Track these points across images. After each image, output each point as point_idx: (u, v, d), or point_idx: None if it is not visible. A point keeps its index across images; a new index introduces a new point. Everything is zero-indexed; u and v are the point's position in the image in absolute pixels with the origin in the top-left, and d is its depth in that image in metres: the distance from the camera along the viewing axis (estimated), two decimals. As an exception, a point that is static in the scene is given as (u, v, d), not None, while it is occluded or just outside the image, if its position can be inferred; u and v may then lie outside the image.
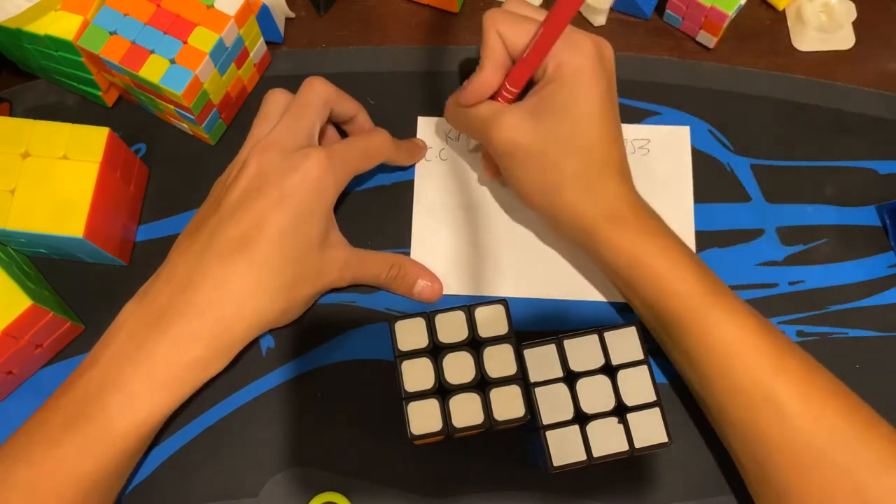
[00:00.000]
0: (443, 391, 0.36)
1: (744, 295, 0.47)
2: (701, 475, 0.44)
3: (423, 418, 0.36)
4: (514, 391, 0.36)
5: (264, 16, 0.49)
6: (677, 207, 0.48)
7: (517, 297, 0.47)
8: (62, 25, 0.43)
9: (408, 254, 0.48)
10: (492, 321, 0.37)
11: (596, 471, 0.43)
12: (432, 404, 0.36)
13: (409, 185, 0.49)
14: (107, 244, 0.44)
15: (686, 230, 0.48)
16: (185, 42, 0.43)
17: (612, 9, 0.53)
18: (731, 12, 0.48)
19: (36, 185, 0.42)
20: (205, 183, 0.49)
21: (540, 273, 0.47)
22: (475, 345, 0.37)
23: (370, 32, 0.53)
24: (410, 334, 0.37)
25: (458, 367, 0.37)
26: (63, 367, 0.45)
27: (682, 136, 0.50)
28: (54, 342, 0.44)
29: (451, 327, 0.37)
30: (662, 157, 0.49)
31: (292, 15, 0.53)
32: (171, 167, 0.49)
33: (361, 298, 0.47)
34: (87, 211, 0.41)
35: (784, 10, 0.54)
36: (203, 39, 0.44)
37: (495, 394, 0.36)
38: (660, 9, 0.53)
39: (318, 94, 0.43)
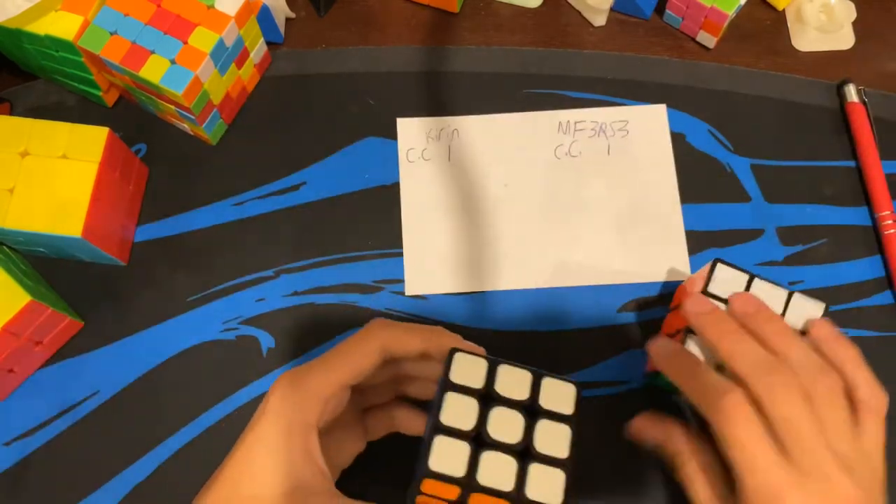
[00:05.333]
0: (479, 441, 0.31)
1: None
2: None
3: (446, 457, 0.31)
4: (558, 476, 0.31)
5: (264, 16, 0.49)
6: (661, 185, 0.49)
7: (511, 290, 0.47)
8: (62, 25, 0.43)
9: (401, 254, 0.47)
10: (558, 397, 0.33)
11: (596, 471, 0.43)
12: (462, 448, 0.31)
13: (399, 187, 0.49)
14: (105, 244, 0.44)
15: (672, 209, 0.48)
16: (186, 42, 0.43)
17: (612, 9, 0.53)
18: (730, 12, 0.48)
19: (35, 185, 0.42)
20: (205, 183, 0.49)
21: (530, 263, 0.47)
22: (532, 412, 0.32)
23: (370, 32, 0.53)
24: (467, 370, 0.33)
25: (505, 424, 0.32)
26: (63, 366, 0.45)
27: (659, 113, 0.50)
28: (54, 339, 0.44)
29: (513, 383, 0.33)
30: (642, 138, 0.50)
31: (292, 15, 0.53)
32: (171, 167, 0.49)
33: (362, 299, 0.47)
34: (86, 210, 0.41)
35: (784, 10, 0.54)
36: (203, 40, 0.44)
37: (535, 470, 0.31)
38: (660, 9, 0.53)
39: (375, 336, 0.35)
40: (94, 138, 0.43)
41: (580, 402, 0.33)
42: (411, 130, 0.50)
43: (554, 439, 0.32)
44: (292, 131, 0.50)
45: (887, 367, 0.45)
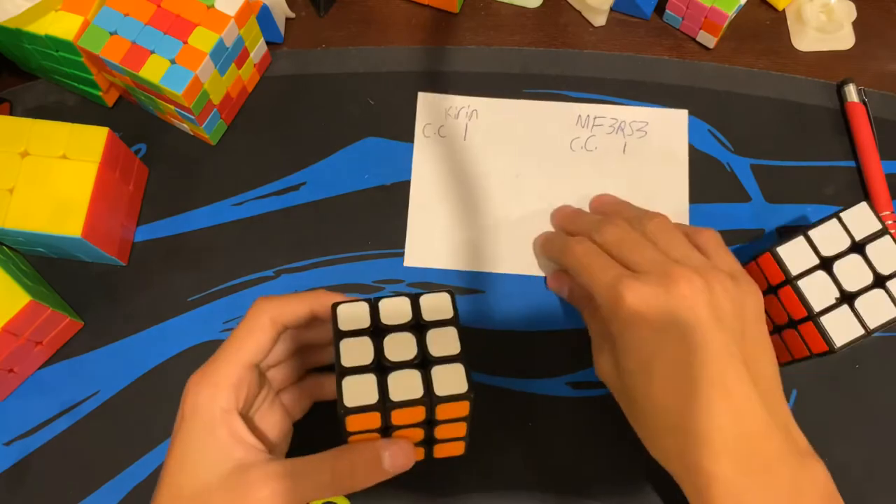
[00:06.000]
0: (382, 368, 0.34)
1: (744, 295, 0.47)
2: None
3: (357, 392, 0.33)
4: (458, 369, 0.34)
5: (264, 16, 0.49)
6: (672, 189, 0.49)
7: (510, 275, 0.47)
8: (62, 25, 0.43)
9: (401, 254, 0.47)
10: (437, 308, 0.36)
11: (595, 471, 0.43)
12: (369, 379, 0.34)
13: (406, 186, 0.49)
14: (105, 244, 0.44)
15: (681, 214, 0.48)
16: (186, 42, 0.43)
17: (612, 9, 0.53)
18: (731, 12, 0.49)
19: (35, 185, 0.42)
20: (205, 183, 0.49)
21: (531, 249, 0.48)
22: (419, 328, 0.35)
23: (370, 32, 0.53)
24: (352, 316, 0.35)
25: (399, 346, 0.35)
26: (63, 366, 0.45)
27: (679, 119, 0.50)
28: (54, 339, 0.44)
29: (395, 312, 0.36)
30: (660, 140, 0.50)
31: (292, 15, 0.53)
32: (171, 167, 0.49)
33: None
34: (86, 211, 0.41)
35: (784, 10, 0.54)
36: (203, 39, 0.44)
37: (437, 371, 0.34)
38: (660, 9, 0.53)
39: (261, 311, 0.36)
40: (94, 138, 0.43)
41: (455, 303, 0.36)
42: (431, 106, 0.50)
43: (444, 342, 0.35)
44: (292, 131, 0.50)
45: (887, 367, 0.46)
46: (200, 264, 0.47)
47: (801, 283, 0.40)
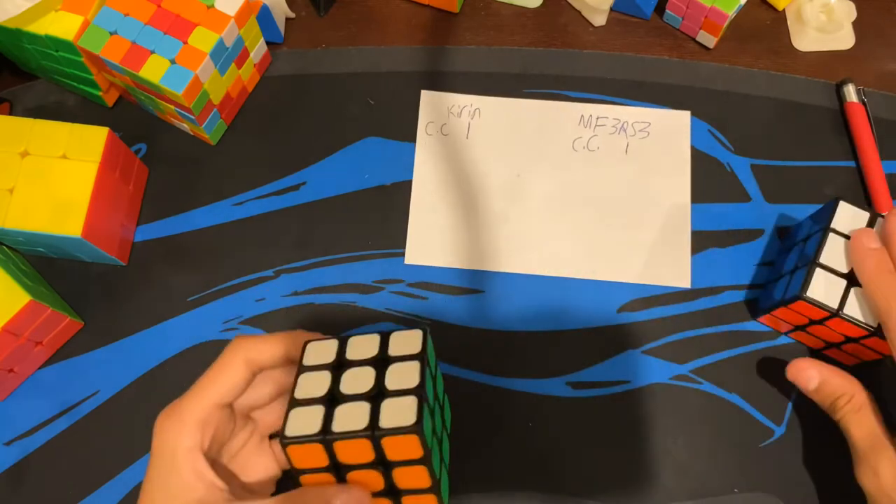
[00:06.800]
0: (333, 400, 0.32)
1: (744, 295, 0.47)
2: (701, 475, 0.43)
3: (301, 423, 0.31)
4: (410, 402, 0.32)
5: (264, 16, 0.49)
6: (674, 190, 0.49)
7: (511, 274, 0.47)
8: (62, 25, 0.44)
9: (401, 254, 0.48)
10: (405, 343, 0.34)
11: (595, 471, 0.43)
12: (317, 410, 0.32)
13: (405, 186, 0.49)
14: (105, 244, 0.44)
15: (681, 215, 0.48)
16: (186, 42, 0.44)
17: (612, 9, 0.53)
18: (731, 12, 0.49)
19: (35, 185, 0.42)
20: (205, 183, 0.49)
21: (533, 249, 0.48)
22: (383, 363, 0.34)
23: (370, 32, 0.53)
24: (319, 352, 0.34)
25: (357, 380, 0.33)
26: (63, 366, 0.45)
27: (682, 120, 0.50)
28: (54, 339, 0.44)
29: (363, 348, 0.34)
30: (662, 141, 0.50)
31: (292, 15, 0.53)
32: (171, 167, 0.49)
33: (362, 299, 0.47)
34: (86, 211, 0.41)
35: (784, 10, 0.54)
36: (203, 39, 0.44)
37: (388, 404, 0.32)
38: (660, 9, 0.53)
39: (236, 351, 0.35)
40: (94, 138, 0.43)
41: (427, 340, 0.33)
42: (434, 103, 0.50)
43: (404, 376, 0.32)
44: (292, 131, 0.50)
45: (886, 367, 0.46)
46: (200, 264, 0.47)
47: (846, 311, 0.39)
